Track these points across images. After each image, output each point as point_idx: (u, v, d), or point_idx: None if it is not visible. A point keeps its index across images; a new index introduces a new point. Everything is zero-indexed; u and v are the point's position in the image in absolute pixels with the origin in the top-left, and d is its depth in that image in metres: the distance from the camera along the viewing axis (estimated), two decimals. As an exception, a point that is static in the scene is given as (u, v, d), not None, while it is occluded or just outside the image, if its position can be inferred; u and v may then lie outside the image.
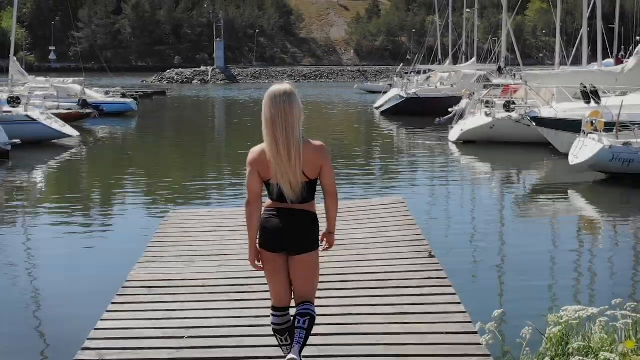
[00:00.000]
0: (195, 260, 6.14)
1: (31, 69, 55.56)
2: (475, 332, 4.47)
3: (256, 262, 3.92)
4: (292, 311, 4.00)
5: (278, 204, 3.80)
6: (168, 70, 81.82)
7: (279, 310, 3.95)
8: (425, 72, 40.94)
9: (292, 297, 4.02)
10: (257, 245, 3.88)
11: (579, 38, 26.95)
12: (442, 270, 5.68)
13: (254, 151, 3.81)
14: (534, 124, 17.77)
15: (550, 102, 18.94)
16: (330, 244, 4.14)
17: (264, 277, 4.22)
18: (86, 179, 16.96)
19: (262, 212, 3.86)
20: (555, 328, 3.64)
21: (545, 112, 18.02)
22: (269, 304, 4.08)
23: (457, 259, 8.30)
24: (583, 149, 14.10)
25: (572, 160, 14.40)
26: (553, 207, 13.02)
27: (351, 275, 5.65)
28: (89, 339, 4.60)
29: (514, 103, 20.57)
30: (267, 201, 3.89)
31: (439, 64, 44.01)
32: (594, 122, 14.71)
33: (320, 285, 5.40)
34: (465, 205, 13.14)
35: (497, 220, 11.65)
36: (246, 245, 3.98)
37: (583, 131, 14.50)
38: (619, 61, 29.48)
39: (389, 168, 18.10)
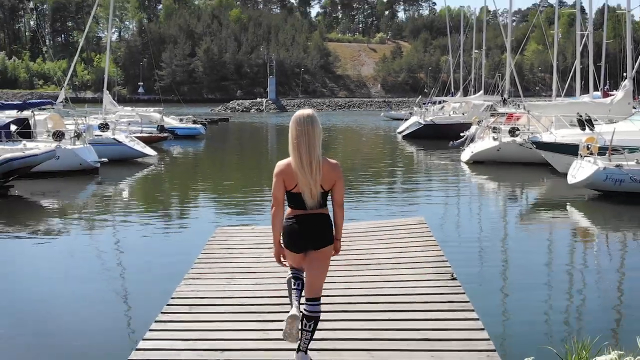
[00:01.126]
0: (235, 278, 5.38)
1: (123, 100, 56.25)
2: (500, 363, 3.68)
3: (281, 259, 3.83)
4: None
5: (297, 211, 3.67)
6: (231, 101, 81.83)
7: (299, 269, 3.80)
8: (440, 102, 39.79)
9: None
10: (281, 244, 3.76)
11: (570, 73, 25.80)
12: (464, 293, 4.83)
13: (281, 164, 3.68)
14: (536, 148, 16.90)
15: (550, 128, 17.93)
16: (337, 250, 3.83)
17: None
18: (160, 192, 16.38)
19: (284, 219, 3.71)
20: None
21: (546, 137, 17.08)
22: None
23: (476, 279, 7.21)
24: (580, 170, 13.41)
25: (570, 179, 13.68)
26: (557, 224, 11.92)
27: (378, 296, 4.84)
28: None
29: (517, 129, 19.54)
30: (288, 210, 3.73)
31: (452, 95, 42.82)
32: (589, 146, 13.91)
33: (349, 307, 4.66)
34: (479, 223, 11.83)
35: (509, 237, 10.43)
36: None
37: (580, 154, 13.81)
38: (605, 94, 28.10)
39: (409, 186, 17.08)
